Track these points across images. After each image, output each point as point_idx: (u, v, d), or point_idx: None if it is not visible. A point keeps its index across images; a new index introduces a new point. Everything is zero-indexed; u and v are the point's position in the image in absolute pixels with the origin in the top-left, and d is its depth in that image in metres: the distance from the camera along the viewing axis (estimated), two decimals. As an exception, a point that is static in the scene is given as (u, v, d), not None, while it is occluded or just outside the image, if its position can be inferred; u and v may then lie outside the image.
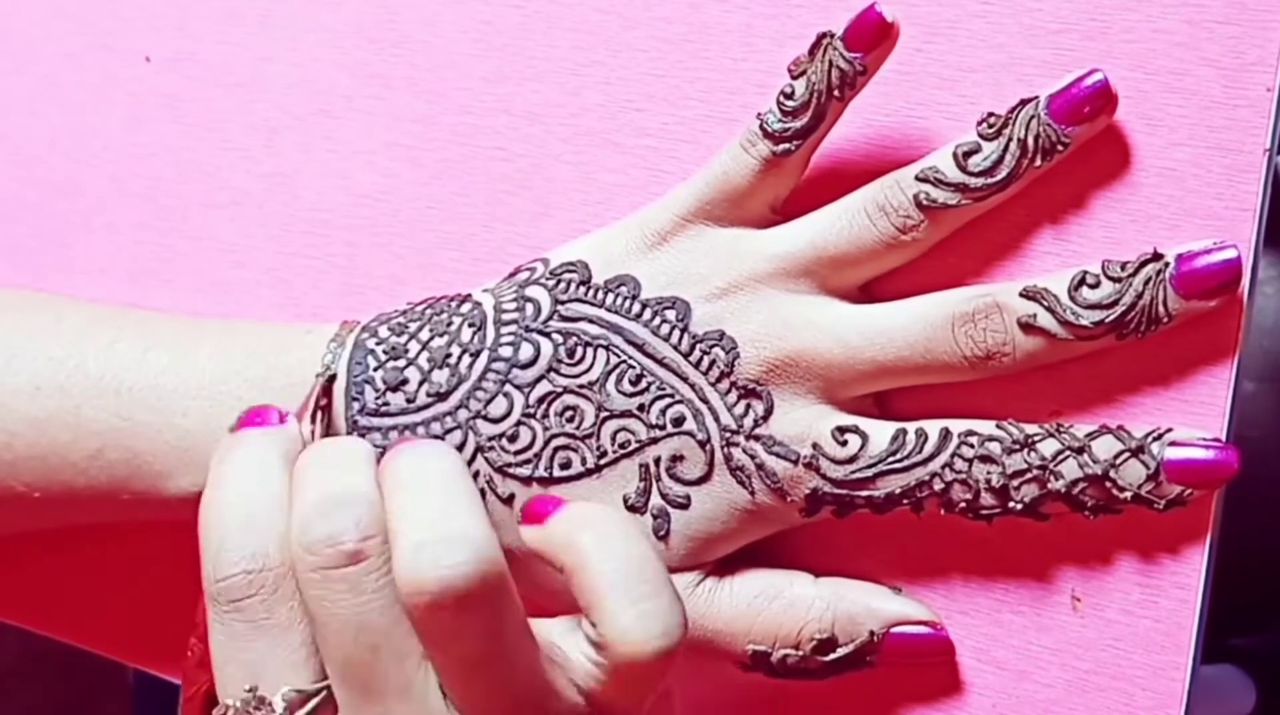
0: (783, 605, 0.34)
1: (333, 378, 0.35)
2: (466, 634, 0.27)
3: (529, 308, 0.34)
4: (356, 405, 0.34)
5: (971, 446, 0.32)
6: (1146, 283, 0.31)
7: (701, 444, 0.33)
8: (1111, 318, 0.32)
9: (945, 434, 0.33)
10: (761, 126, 0.33)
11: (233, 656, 0.29)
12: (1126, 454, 0.32)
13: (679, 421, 0.33)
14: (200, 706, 0.31)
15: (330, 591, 0.28)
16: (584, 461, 0.34)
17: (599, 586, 0.29)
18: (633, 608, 0.28)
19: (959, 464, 0.32)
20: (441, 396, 0.34)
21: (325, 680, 0.29)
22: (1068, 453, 0.32)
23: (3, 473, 0.37)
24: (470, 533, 0.28)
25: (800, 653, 0.34)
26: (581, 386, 0.34)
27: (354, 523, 0.28)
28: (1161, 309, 0.31)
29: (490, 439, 0.34)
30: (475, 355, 0.34)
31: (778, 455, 0.33)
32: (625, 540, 0.29)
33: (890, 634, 0.34)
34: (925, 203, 0.33)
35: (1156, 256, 0.32)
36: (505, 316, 0.34)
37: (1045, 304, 0.32)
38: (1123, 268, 0.32)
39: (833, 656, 0.34)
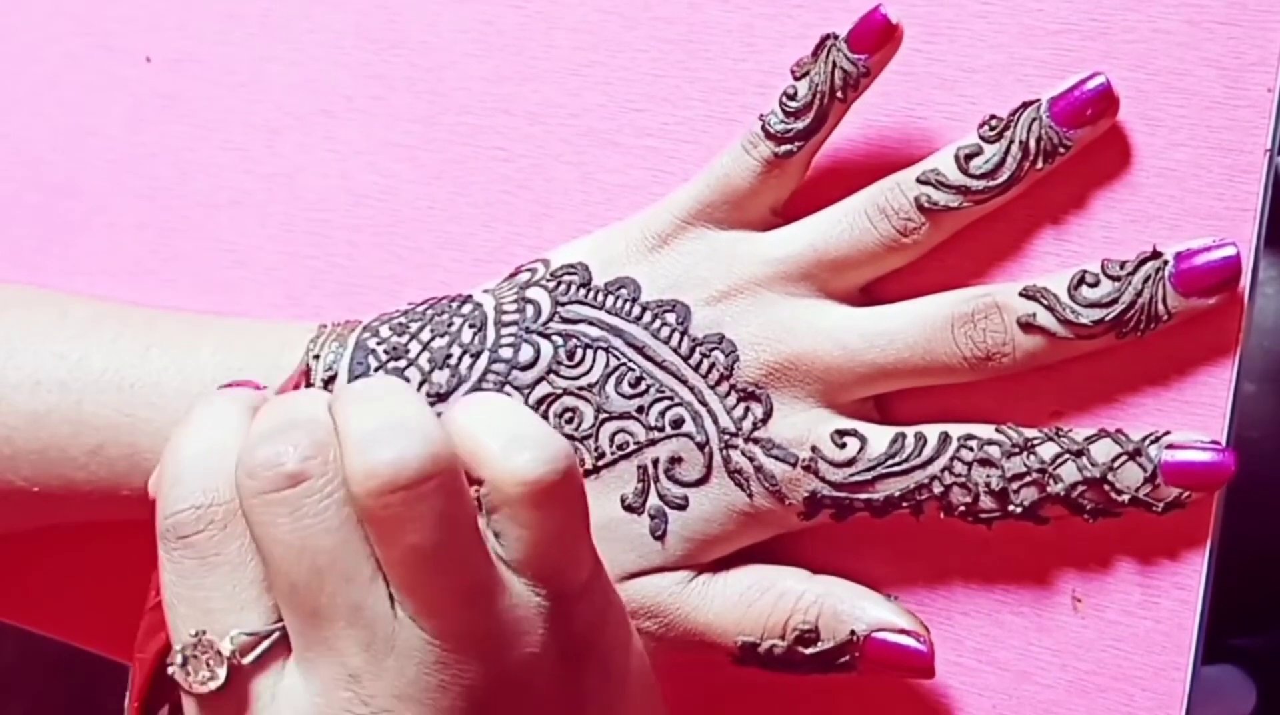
0: (773, 597, 0.34)
1: (318, 359, 0.35)
2: (418, 520, 0.26)
3: (529, 309, 0.34)
4: None
5: (971, 450, 0.32)
6: (1146, 281, 0.31)
7: (700, 446, 0.33)
8: (1111, 316, 0.32)
9: (944, 437, 0.33)
10: (764, 127, 0.33)
11: (183, 596, 0.28)
12: (1124, 457, 0.32)
13: (678, 423, 0.33)
14: (151, 663, 0.29)
15: (272, 516, 0.27)
16: (582, 462, 0.34)
17: (474, 446, 0.27)
18: (501, 444, 0.27)
19: (958, 467, 0.32)
20: (442, 397, 0.34)
21: (279, 622, 0.28)
22: (1066, 456, 0.32)
23: (2, 467, 0.37)
24: (419, 421, 0.27)
25: (785, 643, 0.33)
26: (581, 388, 0.34)
27: (293, 445, 0.27)
28: (1161, 307, 0.31)
29: None
30: (476, 356, 0.34)
31: (776, 458, 0.33)
32: (484, 400, 0.29)
33: (871, 637, 0.33)
34: (926, 205, 0.33)
35: (1155, 255, 0.32)
36: (506, 318, 0.34)
37: (1045, 303, 0.32)
38: (1122, 267, 0.32)
39: (814, 650, 0.33)
